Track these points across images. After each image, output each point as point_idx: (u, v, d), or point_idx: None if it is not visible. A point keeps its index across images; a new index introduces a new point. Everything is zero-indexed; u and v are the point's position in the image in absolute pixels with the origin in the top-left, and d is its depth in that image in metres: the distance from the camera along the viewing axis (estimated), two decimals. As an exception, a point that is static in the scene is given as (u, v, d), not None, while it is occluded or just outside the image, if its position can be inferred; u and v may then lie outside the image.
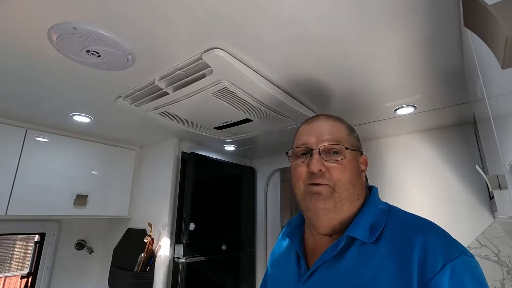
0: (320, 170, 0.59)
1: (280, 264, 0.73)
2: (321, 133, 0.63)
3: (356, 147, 0.65)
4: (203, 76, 1.00)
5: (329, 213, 0.59)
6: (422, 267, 0.48)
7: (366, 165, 0.67)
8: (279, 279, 0.70)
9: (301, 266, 0.63)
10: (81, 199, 1.69)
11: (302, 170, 0.62)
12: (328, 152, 0.61)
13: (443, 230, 0.54)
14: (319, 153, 0.61)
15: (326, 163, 0.60)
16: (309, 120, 0.69)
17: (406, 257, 0.50)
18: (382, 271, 0.51)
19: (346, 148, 0.61)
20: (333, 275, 0.56)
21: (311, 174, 0.60)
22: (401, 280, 0.48)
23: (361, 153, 0.67)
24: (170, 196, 1.71)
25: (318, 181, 0.59)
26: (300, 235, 0.70)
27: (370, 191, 0.66)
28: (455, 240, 0.52)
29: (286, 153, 0.68)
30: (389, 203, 0.64)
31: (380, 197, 0.66)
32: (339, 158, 0.60)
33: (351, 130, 0.67)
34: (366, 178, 1.72)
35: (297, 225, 0.72)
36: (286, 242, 0.75)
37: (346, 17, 0.74)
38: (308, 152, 0.62)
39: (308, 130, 0.66)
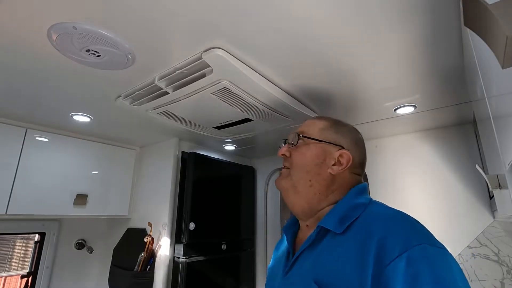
0: (283, 154, 0.72)
1: (277, 258, 0.77)
2: (298, 128, 0.74)
3: (330, 140, 0.68)
4: (203, 75, 0.99)
5: (290, 194, 0.68)
6: (378, 256, 0.47)
7: (347, 160, 0.65)
8: (273, 271, 0.74)
9: (290, 257, 0.67)
10: (81, 199, 1.69)
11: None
12: (293, 141, 0.72)
13: (414, 221, 0.52)
14: (286, 142, 0.73)
15: (290, 149, 0.71)
16: None
17: (367, 247, 0.49)
18: (345, 261, 0.51)
19: (300, 136, 0.70)
20: (307, 263, 0.59)
21: (282, 159, 0.73)
22: (360, 270, 0.48)
23: (341, 148, 0.67)
24: (170, 195, 1.71)
25: (283, 163, 0.72)
26: (295, 230, 0.73)
27: None
28: (424, 230, 0.50)
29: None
30: (372, 199, 0.64)
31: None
32: (296, 145, 0.70)
33: (331, 125, 0.71)
34: (366, 177, 1.72)
35: (293, 222, 0.75)
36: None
37: (346, 18, 0.74)
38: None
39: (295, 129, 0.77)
